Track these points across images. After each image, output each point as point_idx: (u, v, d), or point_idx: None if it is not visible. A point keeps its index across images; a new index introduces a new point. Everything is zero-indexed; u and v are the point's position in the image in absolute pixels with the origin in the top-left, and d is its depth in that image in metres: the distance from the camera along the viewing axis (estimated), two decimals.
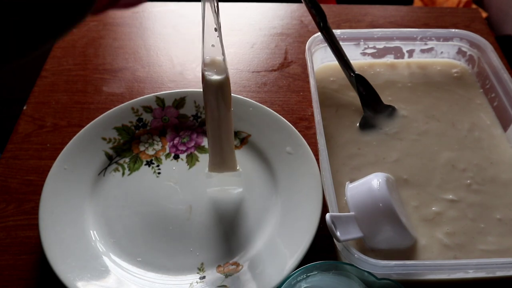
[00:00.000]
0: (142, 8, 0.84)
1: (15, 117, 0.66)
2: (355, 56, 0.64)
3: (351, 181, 0.50)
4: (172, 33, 0.79)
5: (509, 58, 0.73)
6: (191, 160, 0.59)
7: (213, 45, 0.44)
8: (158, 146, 0.60)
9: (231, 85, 0.47)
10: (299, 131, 0.58)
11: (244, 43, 0.77)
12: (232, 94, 0.62)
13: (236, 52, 0.76)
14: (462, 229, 0.48)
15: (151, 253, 0.51)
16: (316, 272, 0.42)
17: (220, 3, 0.42)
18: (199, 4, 0.85)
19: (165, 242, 0.52)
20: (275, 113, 0.60)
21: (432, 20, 0.82)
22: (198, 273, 0.49)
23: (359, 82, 0.59)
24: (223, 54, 0.45)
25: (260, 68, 0.73)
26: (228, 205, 0.55)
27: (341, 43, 0.58)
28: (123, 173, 0.58)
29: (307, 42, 0.61)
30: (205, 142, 0.61)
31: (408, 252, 0.46)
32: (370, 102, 0.59)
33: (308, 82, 0.58)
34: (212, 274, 0.49)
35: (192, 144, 0.61)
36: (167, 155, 0.60)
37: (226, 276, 0.49)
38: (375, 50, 0.64)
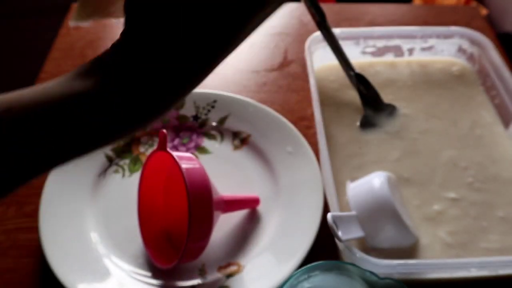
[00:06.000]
0: None
1: None
2: (355, 55, 0.64)
3: (352, 180, 0.50)
4: None
5: (509, 55, 0.72)
6: None
7: None
8: None
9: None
10: (299, 131, 0.58)
11: (243, 43, 0.77)
12: (232, 94, 0.63)
13: (236, 52, 0.75)
14: (464, 228, 0.48)
15: None
16: (318, 272, 0.41)
17: None
18: None
19: None
20: (275, 113, 0.60)
21: (432, 18, 0.82)
22: (199, 274, 0.49)
23: (359, 81, 0.58)
24: None
25: (259, 68, 0.73)
26: None
27: (340, 42, 0.58)
28: (123, 175, 0.58)
29: (307, 42, 0.61)
30: (205, 143, 0.61)
31: (410, 251, 0.46)
32: (370, 101, 0.58)
33: (308, 81, 0.58)
34: (214, 275, 0.49)
35: (192, 145, 0.61)
36: None
37: (228, 276, 0.49)
38: (375, 49, 0.64)
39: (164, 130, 0.48)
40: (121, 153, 0.59)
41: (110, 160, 0.58)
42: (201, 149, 0.60)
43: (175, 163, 0.46)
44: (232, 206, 0.52)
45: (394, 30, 0.63)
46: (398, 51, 0.65)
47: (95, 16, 0.41)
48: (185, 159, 0.47)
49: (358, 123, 0.58)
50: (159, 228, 0.52)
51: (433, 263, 0.43)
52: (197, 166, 0.48)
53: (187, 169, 0.46)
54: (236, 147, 0.60)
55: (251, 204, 0.54)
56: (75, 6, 0.41)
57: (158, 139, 0.48)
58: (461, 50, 0.64)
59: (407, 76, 0.63)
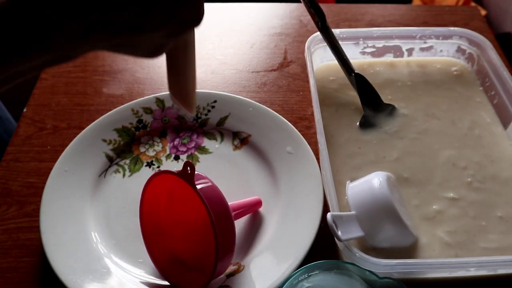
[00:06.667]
0: None
1: (16, 120, 0.66)
2: (355, 55, 0.64)
3: (352, 180, 0.50)
4: None
5: (508, 55, 0.73)
6: (192, 161, 0.59)
7: None
8: (158, 147, 0.60)
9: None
10: (299, 131, 0.58)
11: (243, 43, 0.77)
12: (232, 95, 0.63)
13: (236, 53, 0.76)
14: (463, 227, 0.48)
15: None
16: (318, 272, 0.42)
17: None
18: None
19: None
20: (275, 113, 0.60)
21: (431, 19, 0.82)
22: None
23: (359, 81, 0.59)
24: None
25: (259, 68, 0.73)
26: None
27: (340, 42, 0.58)
28: (124, 175, 0.58)
29: (307, 42, 0.61)
30: (205, 143, 0.61)
31: (410, 250, 0.46)
32: (370, 101, 0.59)
33: (307, 81, 0.58)
34: None
35: (193, 145, 0.61)
36: (168, 156, 0.60)
37: (228, 276, 0.49)
38: (374, 49, 0.64)
39: (191, 161, 0.45)
40: (121, 153, 0.59)
41: (111, 160, 0.58)
42: (201, 149, 0.60)
43: (178, 182, 0.44)
44: (239, 214, 0.52)
45: (393, 31, 0.64)
46: (397, 51, 0.65)
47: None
48: (197, 178, 0.45)
49: (357, 123, 0.58)
50: (167, 250, 0.50)
51: (432, 263, 0.43)
52: (210, 184, 0.45)
53: (201, 190, 0.43)
54: (236, 147, 0.60)
55: (255, 207, 0.54)
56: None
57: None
58: (460, 50, 0.64)
59: (406, 76, 0.63)
